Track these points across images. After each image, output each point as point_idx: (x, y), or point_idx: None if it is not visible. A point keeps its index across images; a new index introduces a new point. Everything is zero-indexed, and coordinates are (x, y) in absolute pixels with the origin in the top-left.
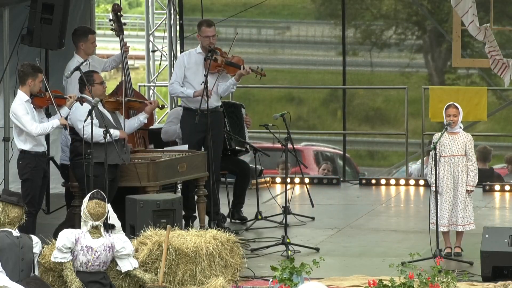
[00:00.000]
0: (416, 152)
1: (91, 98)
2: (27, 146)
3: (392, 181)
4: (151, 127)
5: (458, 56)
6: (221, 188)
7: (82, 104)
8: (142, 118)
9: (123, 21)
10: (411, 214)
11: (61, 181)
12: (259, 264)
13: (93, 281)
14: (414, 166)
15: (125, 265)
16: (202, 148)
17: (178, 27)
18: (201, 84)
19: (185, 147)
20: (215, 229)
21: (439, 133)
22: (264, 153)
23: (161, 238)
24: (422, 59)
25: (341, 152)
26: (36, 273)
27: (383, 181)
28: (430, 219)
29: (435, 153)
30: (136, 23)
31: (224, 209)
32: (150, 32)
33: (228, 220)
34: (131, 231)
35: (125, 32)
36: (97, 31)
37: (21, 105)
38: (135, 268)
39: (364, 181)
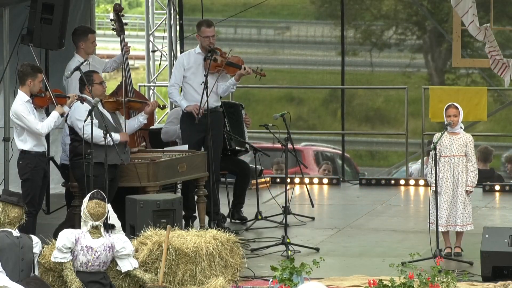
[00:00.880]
0: (416, 152)
1: (91, 98)
2: (27, 146)
3: (392, 181)
4: (151, 127)
5: (458, 56)
6: (221, 188)
7: (82, 103)
8: (141, 118)
9: (124, 21)
10: (411, 214)
11: (61, 181)
12: (259, 264)
13: (93, 281)
14: (414, 166)
15: (125, 265)
16: (202, 148)
17: (178, 27)
18: (201, 84)
19: (185, 147)
20: (215, 229)
21: (439, 133)
22: (264, 153)
23: (161, 238)
24: (422, 59)
25: (340, 152)
26: (36, 273)
27: (383, 181)
28: (429, 219)
29: (435, 153)
30: (136, 23)
31: (224, 209)
32: (150, 32)
33: (228, 220)
34: (131, 231)
35: (125, 32)
36: (97, 31)
37: (22, 105)
38: (135, 268)
39: (364, 181)
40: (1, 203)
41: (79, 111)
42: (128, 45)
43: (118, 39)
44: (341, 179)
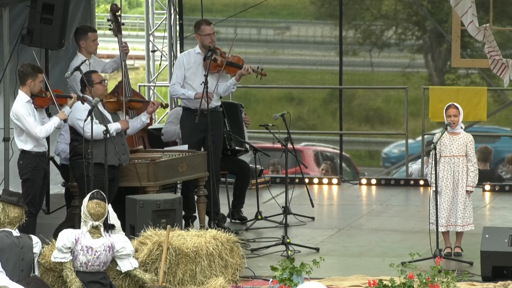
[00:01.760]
0: (416, 152)
1: (92, 98)
2: (27, 146)
3: (392, 181)
4: (150, 127)
5: (457, 56)
6: (221, 188)
7: (83, 103)
8: (144, 118)
9: (121, 21)
10: (411, 214)
11: (61, 181)
12: (259, 264)
13: (93, 281)
14: (414, 166)
15: (125, 265)
16: (202, 148)
17: (178, 27)
18: (201, 84)
19: (185, 147)
20: (215, 229)
21: (440, 133)
22: (264, 153)
23: (161, 238)
24: (422, 59)
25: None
26: (36, 273)
27: (383, 181)
28: (429, 219)
29: (435, 153)
30: (136, 23)
31: (224, 209)
32: (150, 32)
33: (228, 220)
34: (131, 231)
35: (125, 32)
36: (97, 31)
37: (22, 106)
38: (135, 268)
39: (364, 181)
40: (1, 203)
41: (79, 111)
42: (127, 44)
43: (117, 39)
44: (342, 179)
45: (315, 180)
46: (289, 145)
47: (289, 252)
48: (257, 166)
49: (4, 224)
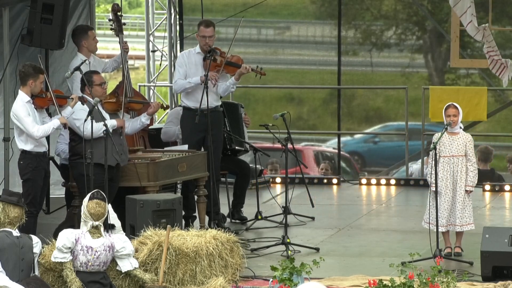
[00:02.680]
0: (416, 152)
1: (91, 99)
2: (28, 147)
3: (392, 181)
4: (150, 128)
5: (456, 57)
6: (221, 188)
7: (83, 104)
8: (144, 119)
9: (122, 21)
10: (411, 214)
11: (61, 181)
12: (259, 264)
13: (93, 281)
14: (414, 166)
15: (125, 265)
16: (202, 148)
17: (178, 27)
18: (201, 84)
19: (185, 147)
20: (215, 229)
21: (439, 133)
22: (264, 153)
23: (161, 238)
24: (422, 59)
25: (342, 152)
26: (36, 273)
27: (383, 181)
28: (427, 219)
29: (435, 153)
30: (136, 23)
31: (224, 209)
32: (150, 32)
33: (228, 220)
34: (131, 231)
35: (125, 32)
36: (97, 31)
37: (22, 106)
38: (135, 268)
39: (364, 181)
40: (1, 203)
41: (76, 111)
42: (127, 43)
43: (118, 39)
44: (341, 179)
45: (315, 180)
46: (289, 145)
47: (289, 252)
48: (257, 166)
49: (4, 224)
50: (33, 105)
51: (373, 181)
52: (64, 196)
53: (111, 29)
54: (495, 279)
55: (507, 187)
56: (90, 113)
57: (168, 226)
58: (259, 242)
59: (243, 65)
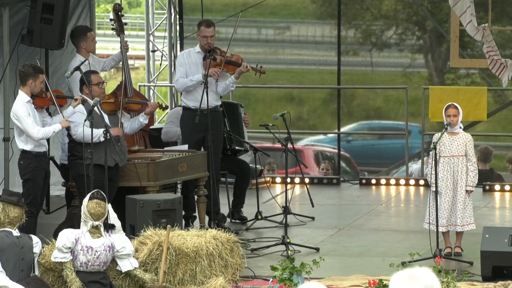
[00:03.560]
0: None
1: (91, 100)
2: (28, 147)
3: (392, 181)
4: (150, 127)
5: (456, 57)
6: (221, 188)
7: (83, 104)
8: (142, 119)
9: (124, 21)
10: (411, 214)
11: (61, 181)
12: (259, 264)
13: (93, 281)
14: (414, 166)
15: (125, 265)
16: (202, 148)
17: (178, 27)
18: (201, 84)
19: (185, 147)
20: (215, 229)
21: (439, 133)
22: (264, 153)
23: (161, 238)
24: (422, 59)
25: (342, 152)
26: (36, 273)
27: (383, 181)
28: (426, 219)
29: (435, 153)
30: (136, 23)
31: (224, 209)
32: (150, 32)
33: (228, 220)
34: (131, 231)
35: (125, 32)
36: (97, 31)
37: (22, 106)
38: (135, 268)
39: (364, 181)
40: (1, 203)
41: (74, 114)
42: (127, 42)
43: (118, 39)
44: (341, 179)
45: (315, 180)
46: (289, 145)
47: (289, 252)
48: (257, 166)
49: (4, 224)
50: (33, 105)
51: (373, 181)
52: (64, 196)
53: (113, 29)
54: (495, 279)
55: (507, 187)
56: (90, 113)
57: (168, 226)
58: (259, 242)
59: (243, 63)
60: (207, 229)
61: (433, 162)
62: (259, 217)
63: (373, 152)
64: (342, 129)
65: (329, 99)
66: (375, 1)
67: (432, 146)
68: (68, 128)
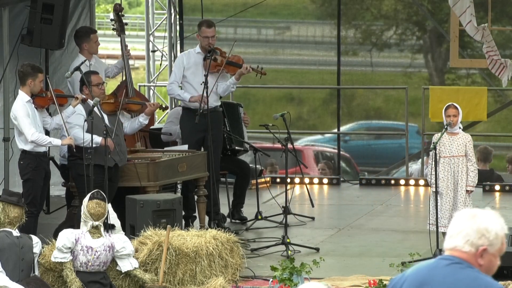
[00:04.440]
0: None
1: (90, 100)
2: (28, 147)
3: (392, 181)
4: (151, 127)
5: (456, 57)
6: (221, 188)
7: (83, 104)
8: (142, 119)
9: (124, 21)
10: (411, 214)
11: (61, 181)
12: (259, 264)
13: (93, 281)
14: (414, 166)
15: (125, 265)
16: (202, 148)
17: (178, 27)
18: (201, 84)
19: (185, 147)
20: (215, 229)
21: (439, 133)
22: (264, 153)
23: (161, 238)
24: (422, 59)
25: (342, 152)
26: (36, 273)
27: (383, 181)
28: (429, 219)
29: (435, 154)
30: (136, 23)
31: (224, 209)
32: (150, 32)
33: (228, 220)
34: (131, 231)
35: (125, 32)
36: (97, 31)
37: (22, 106)
38: (135, 268)
39: (364, 181)
40: (1, 203)
41: (73, 116)
42: (128, 48)
43: (118, 39)
44: (341, 179)
45: (315, 180)
46: (289, 145)
47: (289, 252)
48: (257, 166)
49: (4, 224)
50: (33, 105)
51: (373, 181)
52: (64, 196)
53: (113, 29)
54: (495, 279)
55: (507, 187)
56: (90, 114)
57: (168, 226)
58: (259, 242)
59: (243, 65)
60: (207, 229)
61: (433, 163)
62: (259, 217)
63: (373, 152)
64: (340, 129)
65: (329, 99)
66: (375, 1)
67: (432, 146)
68: (71, 147)
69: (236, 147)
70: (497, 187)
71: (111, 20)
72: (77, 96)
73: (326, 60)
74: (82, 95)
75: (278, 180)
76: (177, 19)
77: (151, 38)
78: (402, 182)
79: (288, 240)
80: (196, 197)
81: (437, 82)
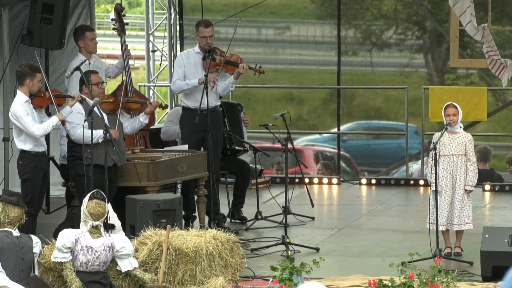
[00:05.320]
0: (416, 152)
1: (90, 99)
2: (27, 146)
3: (392, 181)
4: (151, 127)
5: (456, 57)
6: (221, 188)
7: (82, 103)
8: (142, 119)
9: (125, 21)
10: (411, 214)
11: (61, 181)
12: (259, 264)
13: (93, 281)
14: (414, 166)
15: (125, 265)
16: (202, 148)
17: (178, 27)
18: (199, 86)
19: (185, 147)
20: (215, 229)
21: (439, 133)
22: (264, 153)
23: (161, 238)
24: (422, 59)
25: (342, 152)
26: (36, 273)
27: (383, 181)
28: (428, 219)
29: (435, 153)
30: (136, 23)
31: (224, 209)
32: (150, 32)
33: (228, 220)
34: (131, 231)
35: (125, 32)
36: (97, 31)
37: (21, 106)
38: (135, 268)
39: (364, 181)
40: (1, 203)
41: (72, 114)
42: (128, 48)
43: (118, 39)
44: (341, 179)
45: (315, 180)
46: (289, 145)
47: (289, 252)
48: (257, 166)
49: (4, 224)
50: (31, 105)
51: (373, 181)
52: (64, 196)
53: (114, 29)
54: (495, 279)
55: (507, 187)
56: (90, 113)
57: (168, 226)
58: (259, 242)
59: (240, 64)
60: (207, 229)
61: (433, 162)
62: (259, 217)
63: (373, 152)
64: (340, 129)
65: (329, 99)
66: (375, 1)
67: (432, 146)
68: (63, 122)
69: (236, 147)
70: (497, 187)
71: (112, 19)
72: (74, 95)
73: (326, 60)
74: (79, 94)
75: (278, 180)
76: (177, 19)
77: (151, 38)
78: (402, 182)
79: (288, 240)
80: (196, 197)
81: (437, 82)
